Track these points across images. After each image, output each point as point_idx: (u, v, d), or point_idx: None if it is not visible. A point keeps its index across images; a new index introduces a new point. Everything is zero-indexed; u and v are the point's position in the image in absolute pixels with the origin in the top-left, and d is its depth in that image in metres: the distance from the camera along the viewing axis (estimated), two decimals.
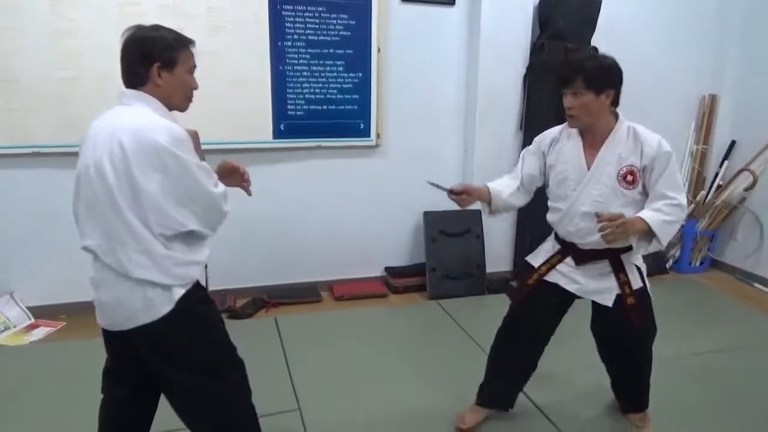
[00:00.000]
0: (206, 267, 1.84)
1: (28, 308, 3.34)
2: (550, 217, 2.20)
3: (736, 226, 4.37)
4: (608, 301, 2.11)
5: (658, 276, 4.28)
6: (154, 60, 1.60)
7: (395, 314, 3.59)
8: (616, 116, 2.07)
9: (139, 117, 1.56)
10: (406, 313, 3.61)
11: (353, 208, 3.84)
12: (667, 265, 4.41)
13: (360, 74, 3.60)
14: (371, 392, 2.64)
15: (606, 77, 1.97)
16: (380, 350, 3.06)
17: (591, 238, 2.06)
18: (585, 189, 2.05)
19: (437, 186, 2.12)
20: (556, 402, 2.54)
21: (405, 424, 2.40)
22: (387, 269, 3.99)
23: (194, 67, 1.72)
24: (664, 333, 3.27)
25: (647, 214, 1.97)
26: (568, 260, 2.16)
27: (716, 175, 4.40)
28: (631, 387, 2.38)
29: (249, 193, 1.98)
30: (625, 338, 2.20)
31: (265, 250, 3.72)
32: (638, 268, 2.15)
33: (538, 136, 2.24)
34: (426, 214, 3.89)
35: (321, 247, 3.83)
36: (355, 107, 3.65)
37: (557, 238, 2.22)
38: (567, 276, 2.16)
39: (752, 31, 4.16)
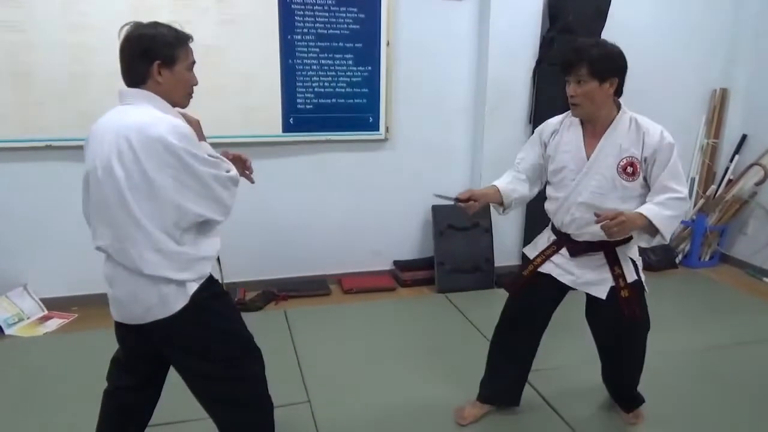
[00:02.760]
0: (219, 261, 1.86)
1: (41, 300, 3.38)
2: (548, 205, 2.19)
3: (746, 220, 4.35)
4: (602, 293, 2.10)
5: (668, 271, 4.27)
6: (155, 58, 1.59)
7: (404, 307, 3.60)
8: (619, 106, 2.04)
9: (143, 115, 1.56)
10: (414, 306, 3.62)
11: (362, 202, 3.85)
12: (677, 260, 4.39)
13: (369, 68, 3.60)
14: (380, 384, 2.66)
15: (611, 65, 1.94)
16: (389, 343, 3.08)
17: (587, 230, 2.05)
18: (583, 180, 2.03)
19: (443, 197, 2.10)
20: (563, 395, 2.55)
21: (413, 416, 2.41)
22: (395, 263, 4.00)
23: (193, 63, 1.71)
24: (673, 327, 3.29)
25: (649, 210, 1.94)
26: (563, 251, 2.15)
27: (727, 169, 4.37)
28: (620, 382, 2.38)
29: (252, 181, 1.98)
30: (618, 331, 2.19)
31: (274, 243, 3.74)
32: (633, 261, 2.14)
33: (540, 126, 2.22)
34: (434, 207, 3.90)
35: (330, 240, 3.84)
36: (364, 101, 3.66)
37: (553, 229, 2.21)
38: (561, 267, 2.15)
39: (764, 25, 4.12)
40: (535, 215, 3.85)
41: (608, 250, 2.09)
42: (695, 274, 4.24)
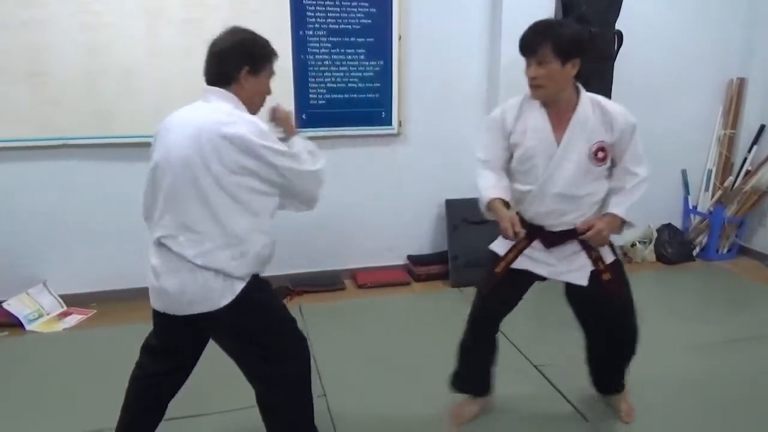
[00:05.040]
0: None
1: (61, 296, 3.42)
2: (516, 196, 2.08)
3: (765, 212, 4.29)
4: (582, 279, 2.06)
5: (685, 264, 4.22)
6: (246, 63, 1.67)
7: (418, 302, 3.61)
8: (577, 88, 1.99)
9: (220, 113, 1.62)
10: (428, 301, 3.62)
11: (376, 197, 3.85)
12: (694, 253, 4.35)
13: (381, 62, 3.60)
14: (395, 378, 2.67)
15: (575, 46, 1.88)
16: (403, 337, 3.09)
17: (563, 219, 2.01)
18: (556, 168, 1.96)
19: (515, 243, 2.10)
20: (579, 388, 2.54)
21: (428, 410, 2.42)
22: (409, 257, 4.00)
23: (273, 74, 1.79)
24: (691, 320, 3.26)
25: (620, 208, 1.98)
26: (536, 243, 2.08)
27: (745, 160, 4.31)
28: (617, 369, 2.33)
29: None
30: (606, 314, 2.16)
31: (288, 238, 3.74)
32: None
33: (496, 113, 2.07)
34: (448, 202, 3.89)
35: (344, 235, 3.85)
36: (377, 95, 3.65)
37: (522, 221, 2.08)
38: (535, 260, 2.09)
39: None
40: None
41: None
42: (713, 267, 4.19)
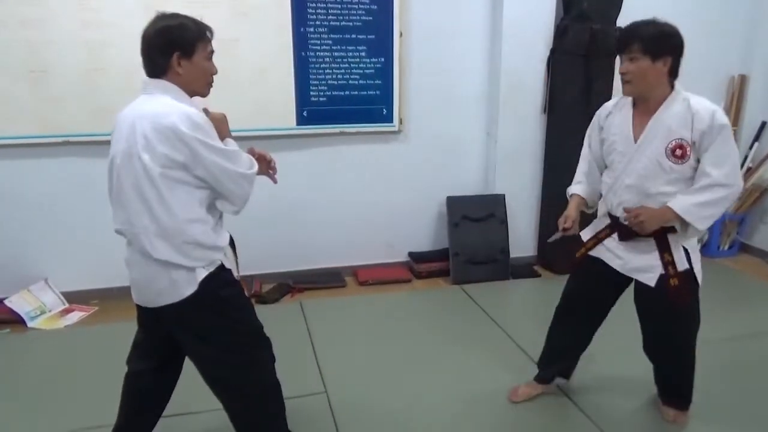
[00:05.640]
0: (236, 254, 1.89)
1: (62, 293, 3.43)
2: (602, 189, 2.20)
3: (766, 209, 4.29)
4: (650, 280, 2.05)
5: None
6: (174, 49, 1.64)
7: (419, 299, 3.61)
8: (673, 87, 2.00)
9: (158, 104, 1.62)
10: (429, 298, 3.63)
11: (376, 194, 3.85)
12: None
13: (382, 59, 3.60)
14: (396, 375, 2.67)
15: (664, 44, 1.92)
16: (404, 334, 3.09)
17: None
18: (631, 162, 2.01)
19: (555, 238, 2.21)
20: (585, 388, 2.54)
21: (429, 407, 2.42)
22: (410, 254, 4.00)
23: (212, 52, 1.75)
24: None
25: (676, 201, 1.94)
26: (615, 235, 2.13)
27: (746, 157, 4.30)
28: (669, 379, 2.31)
29: (275, 181, 2.02)
30: (665, 322, 2.15)
31: (289, 236, 3.76)
32: (686, 250, 2.05)
33: (599, 110, 2.21)
34: (449, 199, 3.89)
35: (345, 232, 3.85)
36: (378, 93, 3.65)
37: (608, 212, 2.19)
38: (611, 251, 2.13)
39: None
40: (551, 206, 3.83)
41: (659, 235, 2.02)
42: (714, 264, 4.18)
